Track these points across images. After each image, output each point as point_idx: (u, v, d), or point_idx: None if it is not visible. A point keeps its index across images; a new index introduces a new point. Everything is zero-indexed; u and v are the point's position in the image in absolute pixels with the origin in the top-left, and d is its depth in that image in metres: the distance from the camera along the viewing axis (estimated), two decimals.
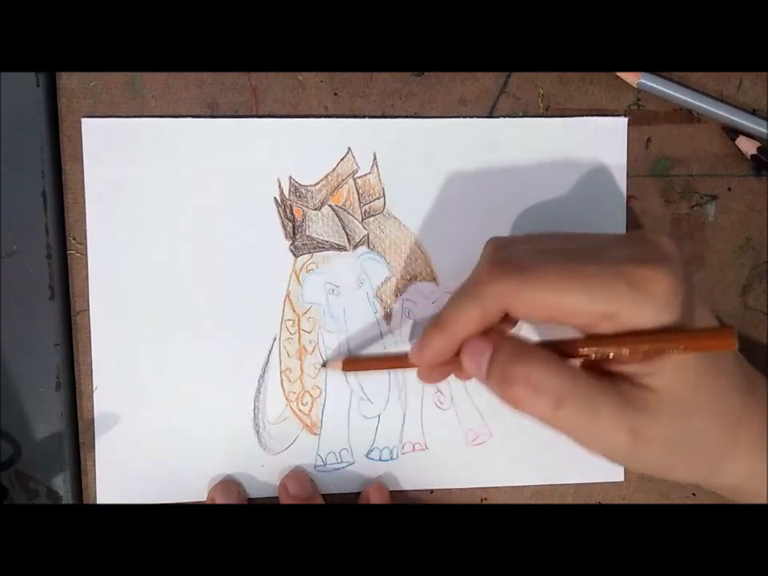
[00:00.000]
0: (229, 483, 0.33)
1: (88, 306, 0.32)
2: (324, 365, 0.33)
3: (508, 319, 0.27)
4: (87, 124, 0.32)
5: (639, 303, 0.24)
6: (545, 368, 0.25)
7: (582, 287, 0.24)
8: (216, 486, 0.33)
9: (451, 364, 0.28)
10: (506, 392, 0.25)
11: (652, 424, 0.25)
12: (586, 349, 0.25)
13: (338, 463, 0.34)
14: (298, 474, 0.33)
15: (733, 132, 0.35)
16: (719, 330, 0.26)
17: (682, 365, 0.25)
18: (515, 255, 0.26)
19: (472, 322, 0.26)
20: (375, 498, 0.33)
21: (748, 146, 0.34)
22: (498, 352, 0.26)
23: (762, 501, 0.28)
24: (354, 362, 0.33)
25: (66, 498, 0.33)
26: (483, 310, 0.26)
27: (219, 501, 0.32)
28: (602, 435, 0.25)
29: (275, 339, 0.33)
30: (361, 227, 0.33)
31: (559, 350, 0.26)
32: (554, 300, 0.24)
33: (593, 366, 0.27)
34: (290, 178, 0.33)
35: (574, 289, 0.24)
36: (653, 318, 0.24)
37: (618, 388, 0.25)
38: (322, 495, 0.33)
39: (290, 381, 0.33)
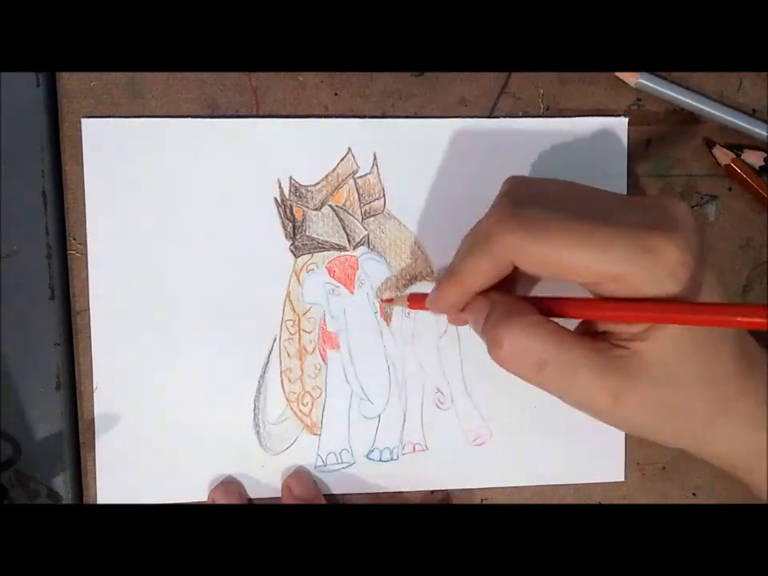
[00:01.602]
0: (229, 484, 0.33)
1: (88, 305, 0.32)
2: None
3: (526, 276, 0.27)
4: (87, 124, 0.32)
5: (647, 269, 0.24)
6: (529, 332, 0.25)
7: (591, 247, 0.24)
8: (217, 486, 0.33)
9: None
10: (493, 352, 0.26)
11: (634, 389, 0.25)
12: (578, 311, 0.26)
13: (339, 464, 0.34)
14: (301, 475, 0.33)
15: (736, 147, 0.34)
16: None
17: (674, 335, 0.25)
18: (527, 208, 0.26)
19: (482, 275, 0.26)
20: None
21: (755, 158, 0.34)
22: (491, 312, 0.26)
23: (750, 474, 0.29)
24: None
25: (66, 498, 0.33)
26: (493, 264, 0.26)
27: (220, 501, 0.32)
28: (584, 397, 0.26)
29: (275, 339, 0.33)
30: (361, 227, 0.33)
31: (552, 309, 0.26)
32: (563, 257, 0.24)
33: (584, 324, 0.28)
34: (290, 178, 0.33)
35: (583, 248, 0.24)
36: (659, 285, 0.24)
37: (603, 351, 0.26)
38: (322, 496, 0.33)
39: (290, 381, 0.33)
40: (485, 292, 0.27)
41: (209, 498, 0.33)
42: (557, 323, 0.26)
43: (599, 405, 0.26)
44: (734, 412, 0.27)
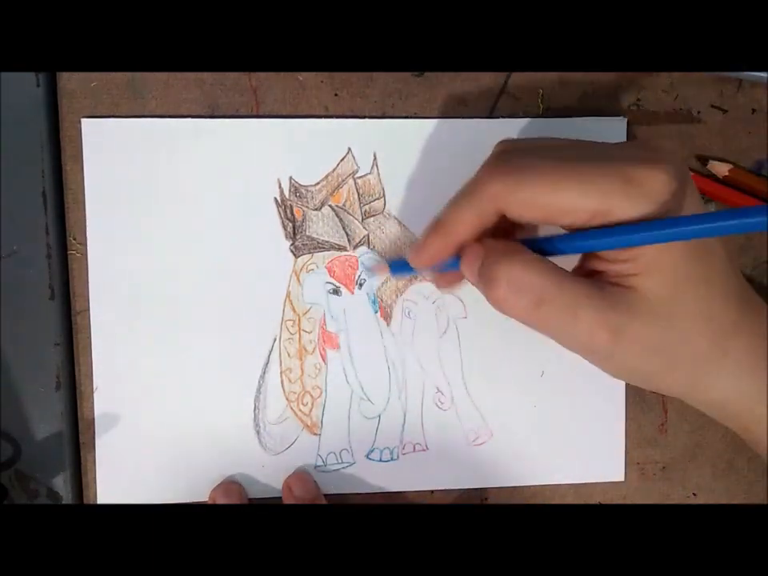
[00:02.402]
0: (230, 484, 0.33)
1: (88, 306, 0.32)
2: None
3: (521, 227, 0.28)
4: (87, 124, 0.32)
5: (632, 198, 0.24)
6: (526, 268, 0.25)
7: (576, 184, 0.24)
8: (217, 486, 0.33)
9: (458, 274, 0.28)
10: (490, 293, 0.25)
11: (634, 325, 0.25)
12: (569, 245, 0.26)
13: (339, 464, 0.34)
14: (301, 476, 0.33)
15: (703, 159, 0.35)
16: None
17: (668, 268, 0.25)
18: (513, 156, 0.26)
19: (468, 223, 0.26)
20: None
21: (719, 169, 0.34)
22: (487, 254, 0.26)
23: (751, 421, 0.28)
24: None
25: (66, 498, 0.33)
26: (479, 211, 0.26)
27: (220, 501, 0.32)
28: (582, 335, 0.25)
29: (275, 339, 0.33)
30: (361, 227, 0.33)
31: (544, 249, 0.26)
32: (548, 198, 0.24)
33: (581, 267, 0.27)
34: (290, 178, 0.33)
35: (567, 186, 0.24)
36: (644, 214, 0.24)
37: (601, 289, 0.25)
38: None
39: (290, 381, 0.33)
40: (477, 240, 0.27)
41: (209, 498, 0.33)
42: (555, 263, 0.25)
43: (598, 343, 0.25)
44: (732, 352, 0.26)
